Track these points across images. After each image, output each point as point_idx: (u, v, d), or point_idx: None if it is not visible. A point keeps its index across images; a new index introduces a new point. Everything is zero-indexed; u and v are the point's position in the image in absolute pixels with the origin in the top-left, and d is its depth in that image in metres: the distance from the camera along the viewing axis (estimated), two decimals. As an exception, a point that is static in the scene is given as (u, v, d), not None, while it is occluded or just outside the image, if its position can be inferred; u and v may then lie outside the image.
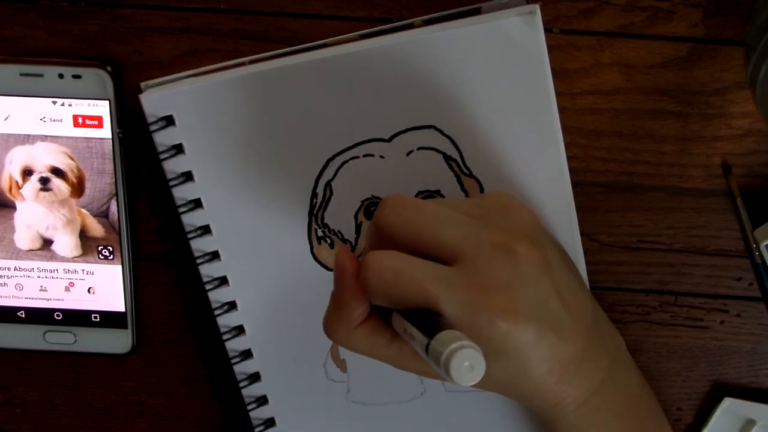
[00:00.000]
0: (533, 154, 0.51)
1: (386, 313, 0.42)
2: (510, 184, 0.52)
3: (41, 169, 0.54)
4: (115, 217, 0.55)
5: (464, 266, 0.39)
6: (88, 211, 0.55)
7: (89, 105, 0.53)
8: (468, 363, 0.34)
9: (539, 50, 0.49)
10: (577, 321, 0.42)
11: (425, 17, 0.50)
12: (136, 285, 0.56)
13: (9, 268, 0.56)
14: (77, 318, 0.57)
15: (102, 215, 0.55)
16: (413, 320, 0.39)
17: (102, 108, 0.53)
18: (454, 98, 0.50)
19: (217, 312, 0.54)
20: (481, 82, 0.50)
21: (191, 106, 0.51)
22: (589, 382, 0.45)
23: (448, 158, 0.51)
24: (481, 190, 0.52)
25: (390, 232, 0.41)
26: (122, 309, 0.57)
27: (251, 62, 0.51)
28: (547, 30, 0.50)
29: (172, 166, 0.52)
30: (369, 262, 0.39)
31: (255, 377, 0.56)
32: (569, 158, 0.51)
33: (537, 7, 0.48)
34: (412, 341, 0.38)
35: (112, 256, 0.56)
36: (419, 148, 0.51)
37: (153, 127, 0.51)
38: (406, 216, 0.41)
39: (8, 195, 0.55)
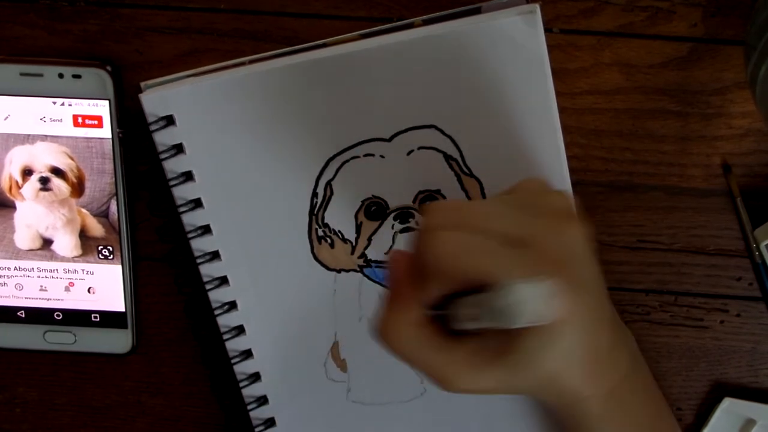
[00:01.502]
0: (533, 153, 0.51)
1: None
2: (510, 183, 0.52)
3: (41, 168, 0.54)
4: (115, 216, 0.55)
5: (525, 249, 0.39)
6: (88, 210, 0.55)
7: (89, 105, 0.53)
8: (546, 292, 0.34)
9: (539, 49, 0.49)
10: (606, 309, 0.43)
11: (425, 17, 0.50)
12: (136, 285, 0.56)
13: (9, 268, 0.56)
14: (77, 318, 0.57)
15: (102, 215, 0.55)
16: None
17: (102, 108, 0.53)
18: (455, 98, 0.50)
19: (217, 312, 0.54)
20: (481, 82, 0.50)
21: (191, 106, 0.51)
22: (617, 373, 0.45)
23: (448, 158, 0.51)
24: (482, 190, 0.52)
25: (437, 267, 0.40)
26: (122, 309, 0.57)
27: (251, 62, 0.51)
28: (547, 30, 0.50)
29: (172, 166, 0.52)
30: (434, 235, 0.39)
31: (255, 377, 0.56)
32: (569, 158, 0.51)
33: (537, 7, 0.48)
34: (477, 310, 0.38)
35: (112, 256, 0.56)
36: (420, 148, 0.51)
37: (153, 127, 0.51)
38: (458, 216, 0.41)
39: (8, 195, 0.55)
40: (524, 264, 0.38)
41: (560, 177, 0.51)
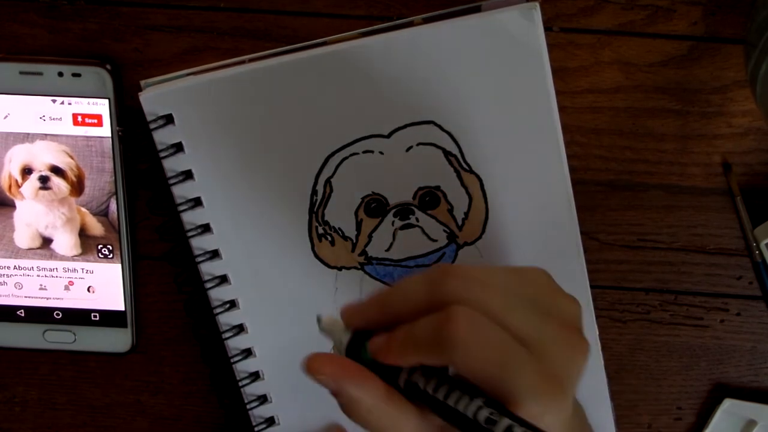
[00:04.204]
0: (533, 150, 0.51)
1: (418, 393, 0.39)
2: (510, 181, 0.52)
3: (41, 167, 0.54)
4: (115, 215, 0.55)
5: (533, 352, 0.38)
6: (87, 209, 0.55)
7: (89, 103, 0.53)
8: None
9: (538, 45, 0.49)
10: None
11: (425, 15, 0.50)
12: (136, 284, 0.56)
13: (8, 267, 0.56)
14: (77, 317, 0.57)
15: (102, 214, 0.55)
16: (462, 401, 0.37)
17: (102, 106, 0.53)
18: (454, 94, 0.50)
19: (217, 310, 0.54)
20: (480, 78, 0.50)
21: (190, 105, 0.51)
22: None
23: (447, 154, 0.51)
24: (482, 186, 0.52)
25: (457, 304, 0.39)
26: (122, 308, 0.56)
27: (251, 60, 0.51)
28: (547, 28, 0.50)
29: (172, 165, 0.52)
30: (461, 315, 0.37)
31: (255, 376, 0.56)
32: (569, 157, 0.51)
33: (536, 5, 0.48)
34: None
35: (111, 255, 0.56)
36: (419, 144, 0.51)
37: (152, 126, 0.51)
38: (476, 294, 0.39)
39: (8, 193, 0.55)
40: (533, 375, 0.37)
41: (560, 176, 0.51)
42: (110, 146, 0.53)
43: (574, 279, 0.53)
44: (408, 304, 0.39)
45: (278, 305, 0.54)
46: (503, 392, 0.37)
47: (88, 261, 0.56)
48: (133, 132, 0.53)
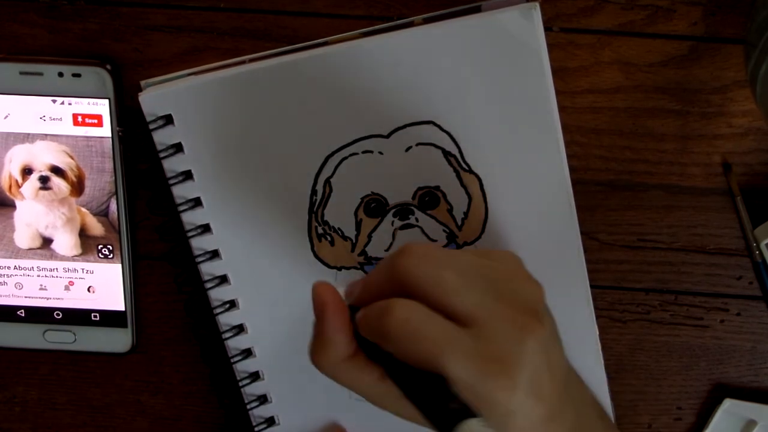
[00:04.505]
0: (533, 150, 0.51)
1: (373, 351, 0.41)
2: (509, 181, 0.52)
3: (41, 167, 0.54)
4: (115, 215, 0.55)
5: (475, 333, 0.40)
6: (87, 209, 0.55)
7: (89, 103, 0.53)
8: None
9: (538, 45, 0.49)
10: (554, 384, 0.44)
11: (425, 15, 0.50)
12: (136, 284, 0.56)
13: (9, 267, 0.56)
14: (77, 317, 0.57)
15: (102, 214, 0.55)
16: (412, 378, 0.40)
17: (102, 107, 0.53)
18: (453, 94, 0.50)
19: (217, 310, 0.54)
20: (480, 78, 0.50)
21: (190, 105, 0.51)
22: None
23: (447, 154, 0.51)
24: (481, 186, 0.52)
25: (408, 282, 0.41)
26: (122, 308, 0.56)
27: (251, 60, 0.51)
28: (547, 28, 0.50)
29: (172, 165, 0.52)
30: (395, 310, 0.40)
31: (255, 376, 0.56)
32: (569, 157, 0.51)
33: (536, 5, 0.48)
34: (416, 404, 0.39)
35: (111, 255, 0.56)
36: (418, 144, 0.51)
37: (152, 126, 0.51)
38: (428, 271, 0.41)
39: (8, 194, 0.55)
40: (468, 354, 0.39)
41: (560, 175, 0.51)
42: (110, 146, 0.53)
43: (574, 279, 0.53)
44: (377, 282, 0.42)
45: (278, 305, 0.54)
46: (443, 375, 0.39)
47: (88, 261, 0.56)
48: (133, 132, 0.53)
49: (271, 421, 0.57)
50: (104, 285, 0.56)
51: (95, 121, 0.53)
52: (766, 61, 0.45)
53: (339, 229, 0.53)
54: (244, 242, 0.53)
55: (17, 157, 0.54)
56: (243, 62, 0.51)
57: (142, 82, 0.52)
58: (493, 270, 0.43)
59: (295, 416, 0.57)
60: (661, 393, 0.57)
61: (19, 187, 0.54)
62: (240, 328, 0.55)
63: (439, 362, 0.39)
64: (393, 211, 0.52)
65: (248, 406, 0.57)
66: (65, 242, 0.55)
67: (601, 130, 0.52)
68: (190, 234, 0.53)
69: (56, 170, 0.54)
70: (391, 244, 0.53)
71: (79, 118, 0.53)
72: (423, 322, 0.40)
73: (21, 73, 0.52)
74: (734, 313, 0.55)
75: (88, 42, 0.53)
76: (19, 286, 0.57)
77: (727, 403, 0.56)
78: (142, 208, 0.55)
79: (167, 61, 0.52)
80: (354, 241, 0.53)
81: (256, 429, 0.57)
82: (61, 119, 0.53)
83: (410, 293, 0.41)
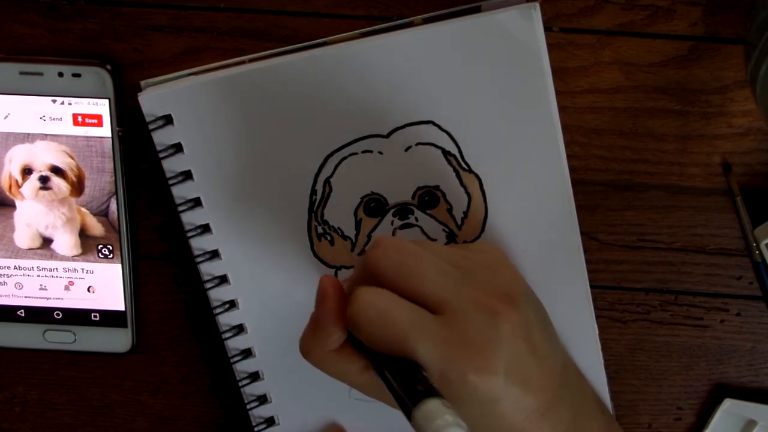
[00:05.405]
0: (533, 149, 0.51)
1: (361, 343, 0.42)
2: (509, 180, 0.52)
3: (41, 167, 0.54)
4: (115, 215, 0.55)
5: (446, 318, 0.41)
6: (87, 209, 0.55)
7: (89, 103, 0.53)
8: None
9: (538, 45, 0.49)
10: (545, 376, 0.44)
11: (425, 15, 0.50)
12: (136, 284, 0.56)
13: (9, 267, 0.56)
14: (77, 317, 0.57)
15: (102, 214, 0.55)
16: (390, 365, 0.40)
17: (102, 107, 0.53)
18: (453, 94, 0.50)
19: (217, 310, 0.54)
20: (479, 78, 0.50)
21: (189, 105, 0.51)
22: None
23: (446, 153, 0.51)
24: (481, 186, 0.52)
25: (378, 273, 0.42)
26: (122, 308, 0.56)
27: (251, 60, 0.51)
28: (547, 28, 0.50)
29: (171, 165, 0.52)
30: (358, 297, 0.41)
31: (256, 376, 0.56)
32: (569, 157, 0.51)
33: (536, 5, 0.48)
34: (389, 389, 0.40)
35: (111, 255, 0.56)
36: (418, 144, 0.51)
37: (151, 126, 0.51)
38: (397, 260, 0.42)
39: (8, 194, 0.55)
40: (437, 339, 0.40)
41: (560, 175, 0.51)
42: (110, 146, 0.53)
43: (574, 279, 0.53)
44: (356, 276, 0.44)
45: (278, 305, 0.54)
46: (414, 361, 0.40)
47: (88, 261, 0.56)
48: (133, 132, 0.53)
49: (271, 421, 0.57)
50: (104, 285, 0.56)
51: (95, 121, 0.53)
52: (766, 61, 0.45)
53: (339, 228, 0.53)
54: (244, 242, 0.53)
55: (17, 157, 0.54)
56: (243, 62, 0.51)
57: (142, 82, 0.52)
58: (467, 259, 0.44)
59: (295, 416, 0.57)
60: (661, 393, 0.57)
61: (19, 187, 0.54)
62: (240, 328, 0.55)
63: (407, 346, 0.40)
64: (392, 210, 0.52)
65: (248, 406, 0.57)
66: (65, 242, 0.55)
67: (601, 130, 0.52)
68: (189, 234, 0.53)
69: (56, 170, 0.54)
70: (391, 243, 0.53)
71: (79, 118, 0.53)
72: (388, 307, 0.40)
73: (21, 73, 0.52)
74: (734, 313, 0.55)
75: (88, 42, 0.53)
76: (19, 286, 0.57)
77: (727, 403, 0.56)
78: (142, 208, 0.55)
79: (167, 61, 0.52)
80: (354, 241, 0.53)
81: (256, 429, 0.57)
82: (61, 119, 0.53)
83: (380, 283, 0.42)
